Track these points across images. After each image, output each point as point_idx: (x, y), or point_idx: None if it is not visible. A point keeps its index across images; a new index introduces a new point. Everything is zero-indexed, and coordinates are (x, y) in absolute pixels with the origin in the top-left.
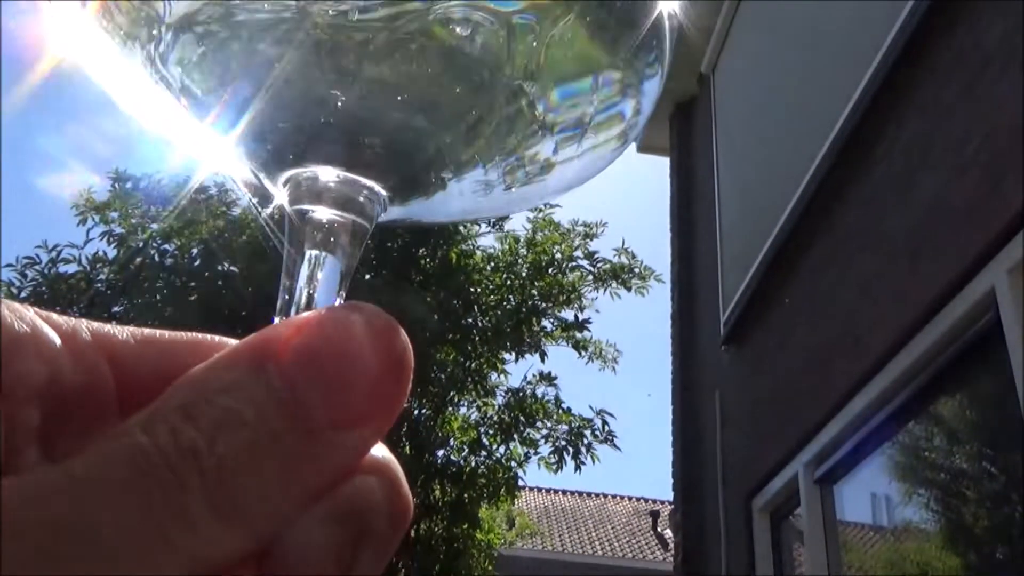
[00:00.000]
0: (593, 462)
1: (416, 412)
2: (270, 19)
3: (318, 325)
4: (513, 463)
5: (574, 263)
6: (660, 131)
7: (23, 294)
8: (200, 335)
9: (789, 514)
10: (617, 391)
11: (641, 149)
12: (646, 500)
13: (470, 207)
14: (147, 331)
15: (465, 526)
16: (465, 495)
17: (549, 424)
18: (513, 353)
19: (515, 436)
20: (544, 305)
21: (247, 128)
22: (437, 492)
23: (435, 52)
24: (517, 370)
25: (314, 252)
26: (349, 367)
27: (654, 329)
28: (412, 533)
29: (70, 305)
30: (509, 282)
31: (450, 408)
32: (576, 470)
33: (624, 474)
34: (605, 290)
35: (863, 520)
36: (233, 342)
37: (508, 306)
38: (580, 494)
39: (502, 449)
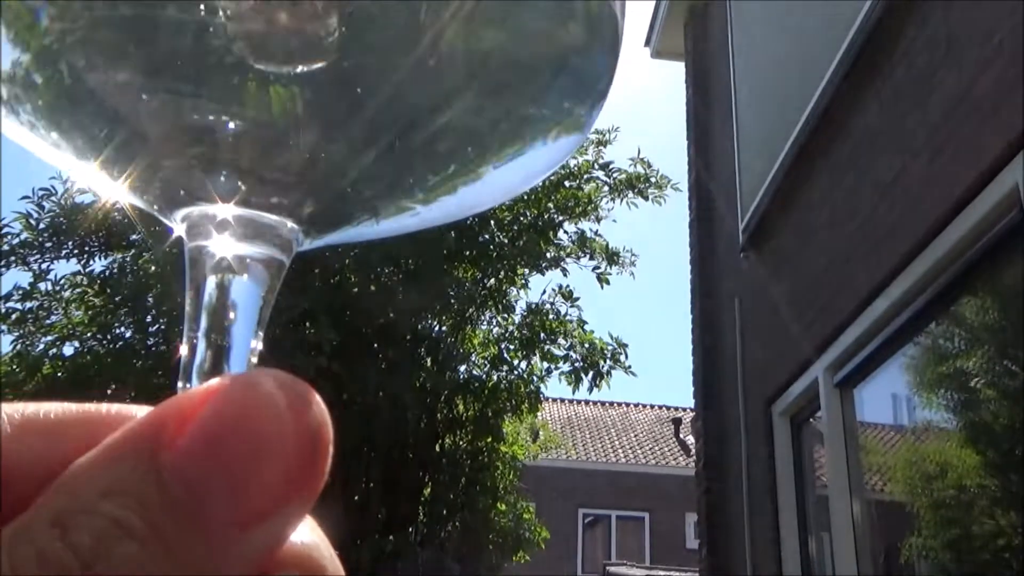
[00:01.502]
0: (608, 387)
1: (436, 329)
2: (134, 33)
3: (217, 402)
4: (535, 377)
5: (589, 175)
6: (675, 36)
7: (41, 225)
8: (93, 408)
9: (809, 418)
10: (637, 302)
11: (655, 55)
12: (668, 407)
13: (411, 224)
14: (29, 410)
15: (489, 439)
16: (488, 409)
17: (568, 343)
18: (530, 269)
19: (536, 351)
20: (560, 218)
21: (128, 169)
22: (460, 407)
23: (337, 62)
24: (538, 287)
25: (218, 296)
26: (255, 453)
27: (672, 238)
28: (437, 447)
29: (88, 235)
30: (525, 196)
31: (469, 325)
32: (590, 391)
33: (646, 382)
34: (622, 200)
35: (883, 421)
36: (131, 412)
37: (525, 220)
38: (603, 403)
39: (524, 364)
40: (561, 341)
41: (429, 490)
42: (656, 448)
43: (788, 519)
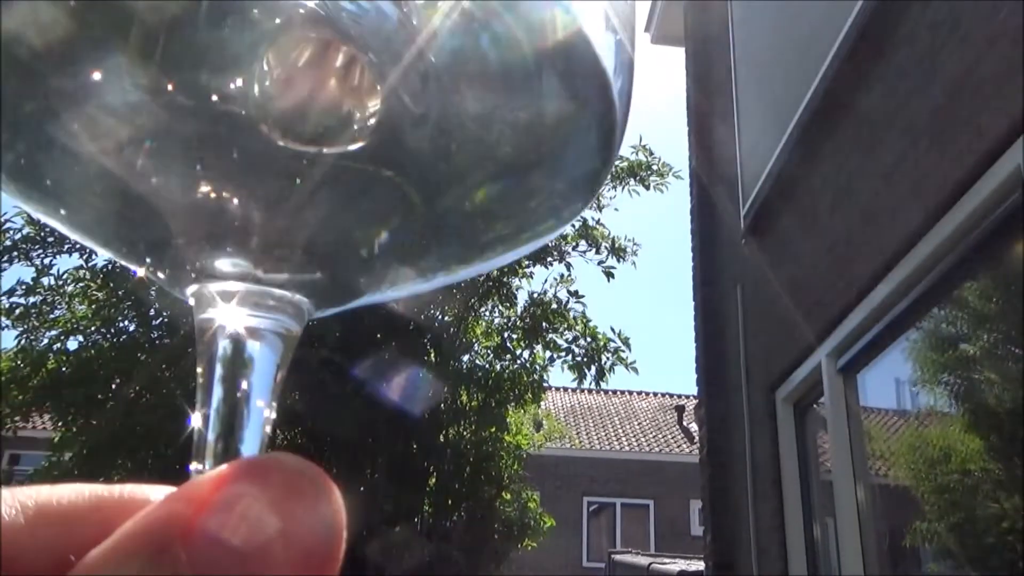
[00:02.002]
0: (607, 383)
1: (439, 319)
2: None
3: (231, 492)
4: (538, 367)
5: None
6: (674, 21)
7: None
8: (106, 492)
9: (813, 404)
10: (639, 290)
11: (656, 40)
12: (671, 395)
13: (421, 289)
14: (42, 497)
15: (493, 429)
16: (492, 399)
17: (571, 335)
18: (534, 261)
19: (539, 340)
20: None
21: (135, 248)
22: (464, 397)
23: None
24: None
25: (230, 368)
26: (270, 547)
27: (674, 225)
28: (441, 438)
29: None
30: None
31: (472, 315)
32: (595, 383)
33: (649, 370)
34: (623, 188)
35: (886, 406)
36: (144, 497)
37: None
38: (606, 392)
39: (526, 354)
40: (565, 332)
41: (434, 481)
42: (660, 436)
43: (792, 505)
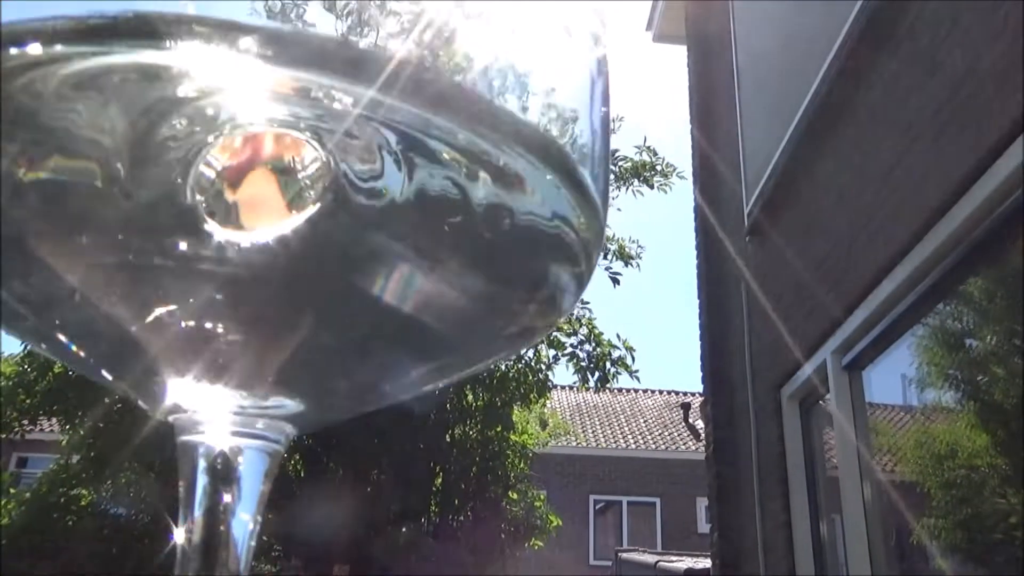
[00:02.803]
0: (608, 388)
1: None
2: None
3: None
4: (542, 366)
5: None
6: (676, 20)
7: None
8: None
9: (818, 401)
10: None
11: (657, 39)
12: (677, 393)
13: (416, 394)
14: None
15: (499, 429)
16: (497, 399)
17: (576, 340)
18: None
19: (544, 339)
20: None
21: (113, 378)
22: (469, 397)
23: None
24: None
25: (214, 485)
26: None
27: (677, 223)
28: (447, 438)
29: None
30: None
31: None
32: (597, 391)
33: (654, 368)
34: (627, 188)
35: (892, 403)
36: None
37: None
38: (611, 390)
39: (531, 352)
40: (567, 329)
41: (440, 480)
42: (665, 433)
43: (799, 502)
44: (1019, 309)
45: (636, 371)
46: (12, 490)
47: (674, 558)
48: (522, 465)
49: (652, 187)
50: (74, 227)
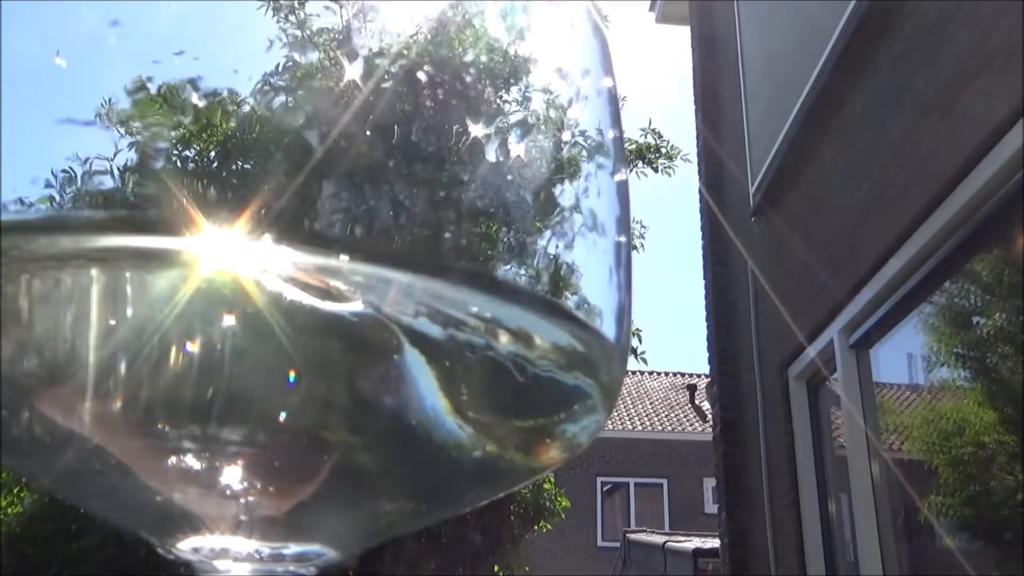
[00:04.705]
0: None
1: None
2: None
3: None
4: None
5: None
6: (679, 1)
7: None
8: None
9: (825, 380)
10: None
11: (660, 20)
12: (683, 374)
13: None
14: None
15: None
16: None
17: None
18: None
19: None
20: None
21: (133, 530)
22: None
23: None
24: None
25: None
26: None
27: (682, 205)
28: None
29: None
30: None
31: None
32: None
33: (660, 350)
34: (631, 171)
35: (899, 381)
36: None
37: None
38: None
39: None
40: None
41: None
42: (672, 415)
43: (807, 481)
44: None
45: (642, 353)
46: (23, 479)
47: (682, 538)
48: None
49: (657, 170)
50: (82, 391)
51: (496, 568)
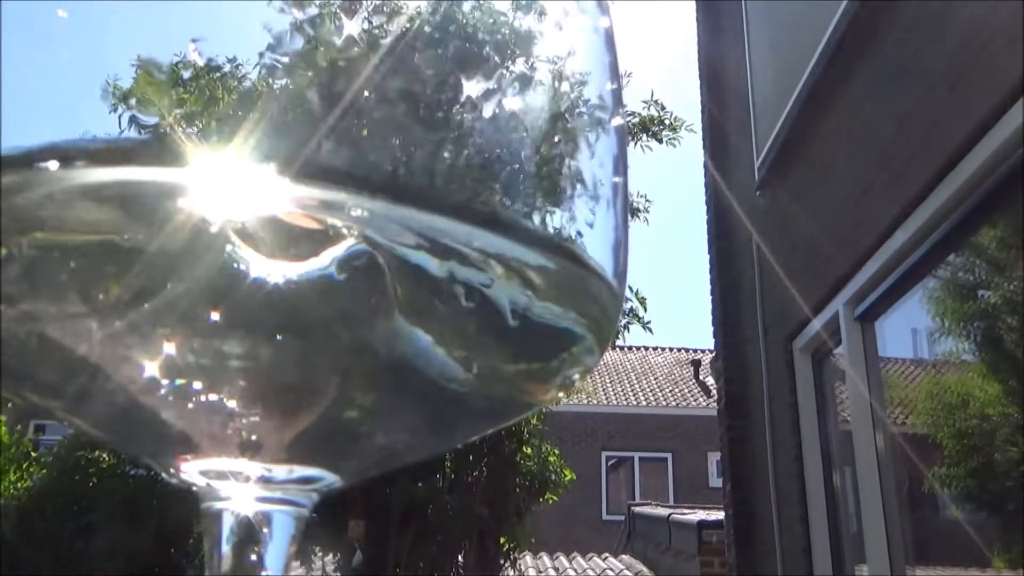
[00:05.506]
0: (623, 340)
1: None
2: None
3: None
4: None
5: None
6: None
7: None
8: None
9: (830, 353)
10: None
11: None
12: (687, 350)
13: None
14: None
15: None
16: None
17: None
18: None
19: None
20: None
21: (135, 451)
22: None
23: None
24: None
25: (240, 550)
26: None
27: (686, 178)
28: None
29: None
30: None
31: None
32: (611, 348)
33: (664, 326)
34: (635, 143)
35: (904, 355)
36: None
37: None
38: (621, 348)
39: None
40: None
41: None
42: (676, 390)
43: (812, 454)
44: None
45: (648, 322)
46: (33, 453)
47: (687, 511)
48: (536, 421)
49: (661, 141)
50: (89, 295)
51: (502, 540)
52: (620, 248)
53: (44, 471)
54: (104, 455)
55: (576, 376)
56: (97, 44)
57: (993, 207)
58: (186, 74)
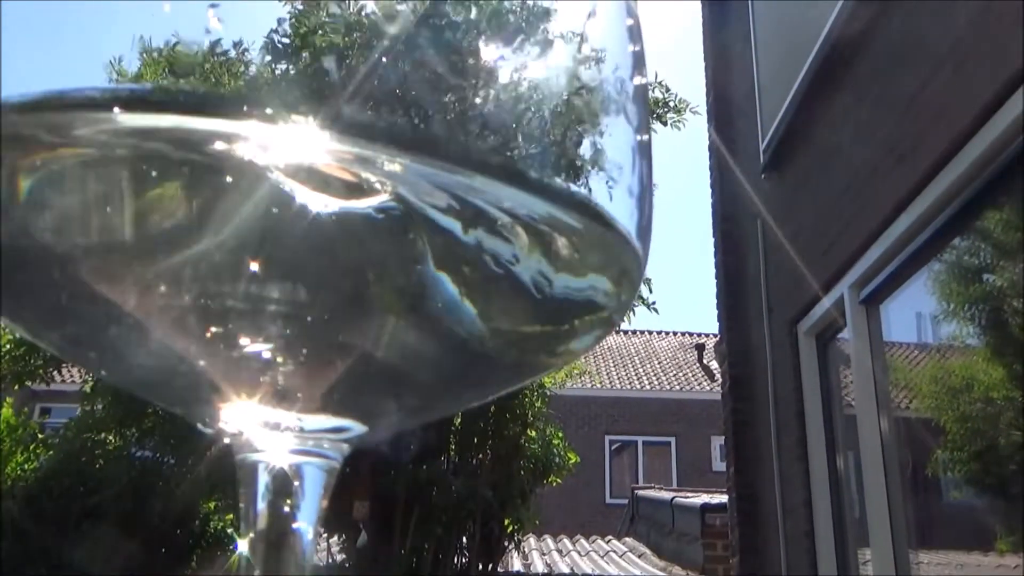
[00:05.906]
0: (628, 324)
1: None
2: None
3: None
4: None
5: None
6: None
7: None
8: None
9: (835, 336)
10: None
11: None
12: (691, 334)
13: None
14: None
15: None
16: None
17: None
18: None
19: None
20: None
21: (169, 401)
22: None
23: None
24: None
25: (275, 501)
26: None
27: (690, 161)
28: None
29: None
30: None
31: None
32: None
33: (668, 310)
34: None
35: (908, 339)
36: None
37: None
38: (625, 332)
39: None
40: None
41: (459, 420)
42: (680, 374)
43: (815, 437)
44: None
45: (653, 303)
46: (40, 435)
47: (690, 494)
48: (540, 404)
49: (665, 124)
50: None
51: (506, 523)
52: (644, 203)
53: (51, 453)
54: (111, 437)
55: (594, 337)
56: (101, 23)
57: (998, 190)
58: (192, 56)
